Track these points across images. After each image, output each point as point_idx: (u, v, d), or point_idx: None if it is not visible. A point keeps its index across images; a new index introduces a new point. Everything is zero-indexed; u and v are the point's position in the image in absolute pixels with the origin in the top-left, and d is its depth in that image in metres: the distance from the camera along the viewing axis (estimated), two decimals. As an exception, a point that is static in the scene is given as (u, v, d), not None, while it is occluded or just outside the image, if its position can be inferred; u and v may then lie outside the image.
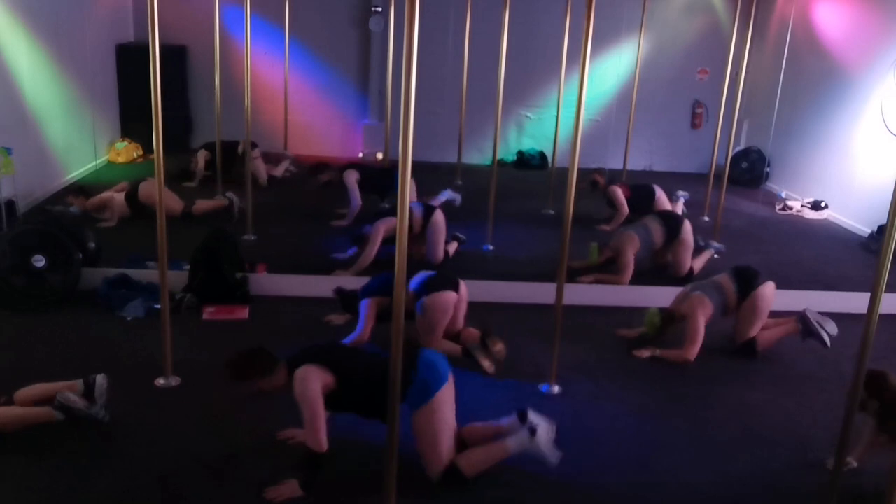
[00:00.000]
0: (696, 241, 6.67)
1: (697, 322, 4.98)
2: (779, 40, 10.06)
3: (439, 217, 6.41)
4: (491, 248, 7.08)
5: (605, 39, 10.19)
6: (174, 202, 7.09)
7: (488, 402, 4.50)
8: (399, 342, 2.95)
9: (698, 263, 6.67)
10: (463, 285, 4.75)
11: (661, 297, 6.18)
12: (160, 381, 4.40)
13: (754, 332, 5.13)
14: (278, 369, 3.53)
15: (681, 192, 8.29)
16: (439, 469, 3.54)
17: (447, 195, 7.52)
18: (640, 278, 6.47)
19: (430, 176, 6.94)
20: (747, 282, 5.13)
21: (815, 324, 4.96)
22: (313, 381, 3.38)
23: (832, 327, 5.00)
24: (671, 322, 5.13)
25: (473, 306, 5.43)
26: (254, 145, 8.72)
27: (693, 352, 4.99)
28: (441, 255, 6.41)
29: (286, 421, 4.12)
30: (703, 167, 7.78)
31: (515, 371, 4.79)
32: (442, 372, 3.57)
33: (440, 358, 3.66)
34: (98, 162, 8.95)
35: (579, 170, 4.44)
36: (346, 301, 4.97)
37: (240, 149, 8.03)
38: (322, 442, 3.33)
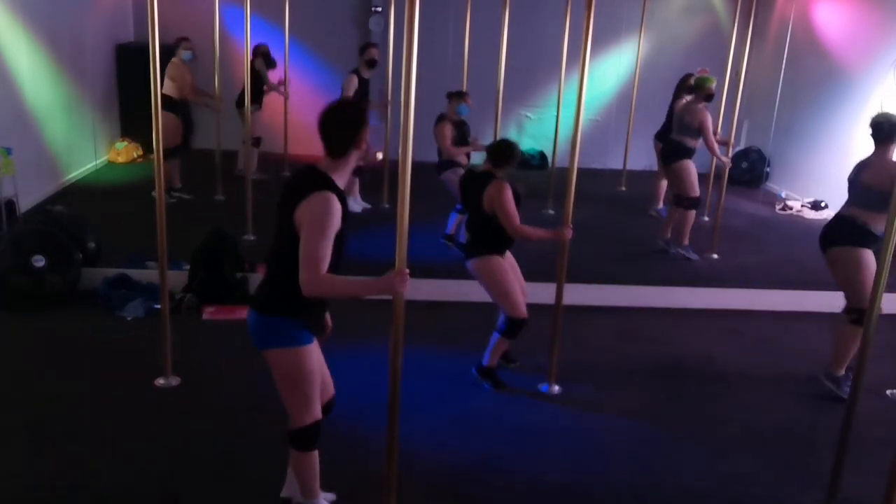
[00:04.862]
0: None
1: None
2: (779, 40, 10.05)
3: None
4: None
5: (605, 39, 10.17)
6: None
7: (488, 403, 4.51)
8: (399, 342, 2.95)
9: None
10: None
11: (663, 298, 6.21)
12: (160, 381, 4.40)
13: None
14: None
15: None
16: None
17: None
18: (644, 279, 6.48)
19: (430, 176, 6.92)
20: None
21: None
22: None
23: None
24: None
25: (474, 306, 5.44)
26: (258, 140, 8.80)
27: None
28: None
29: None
30: (702, 167, 7.75)
31: (516, 371, 4.79)
32: None
33: None
34: (98, 162, 8.94)
35: (579, 169, 4.45)
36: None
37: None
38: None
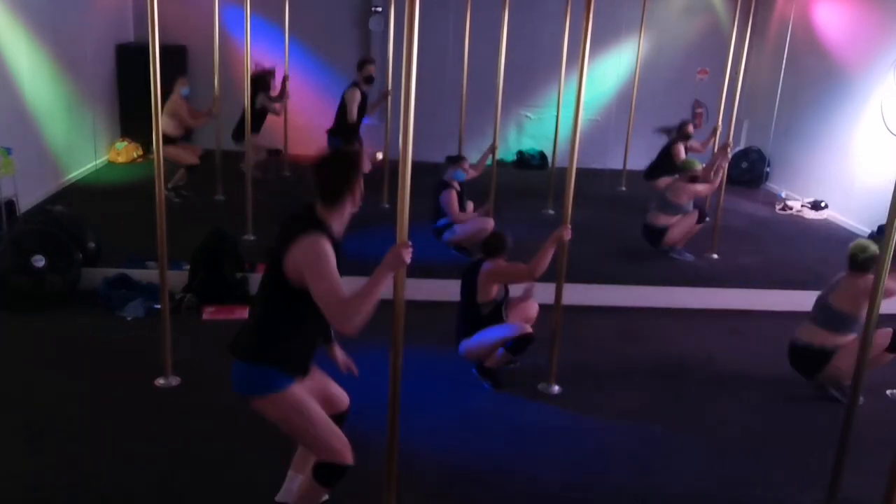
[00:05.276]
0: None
1: None
2: (779, 40, 10.05)
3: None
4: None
5: (605, 39, 10.17)
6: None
7: (488, 403, 4.51)
8: (399, 342, 2.95)
9: None
10: None
11: (663, 298, 6.21)
12: (160, 381, 4.40)
13: None
14: None
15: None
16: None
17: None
18: (644, 279, 6.48)
19: (429, 176, 6.92)
20: None
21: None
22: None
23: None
24: None
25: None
26: (278, 152, 8.90)
27: None
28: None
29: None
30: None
31: (515, 371, 4.79)
32: None
33: None
34: (98, 162, 8.94)
35: (579, 169, 4.45)
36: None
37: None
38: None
